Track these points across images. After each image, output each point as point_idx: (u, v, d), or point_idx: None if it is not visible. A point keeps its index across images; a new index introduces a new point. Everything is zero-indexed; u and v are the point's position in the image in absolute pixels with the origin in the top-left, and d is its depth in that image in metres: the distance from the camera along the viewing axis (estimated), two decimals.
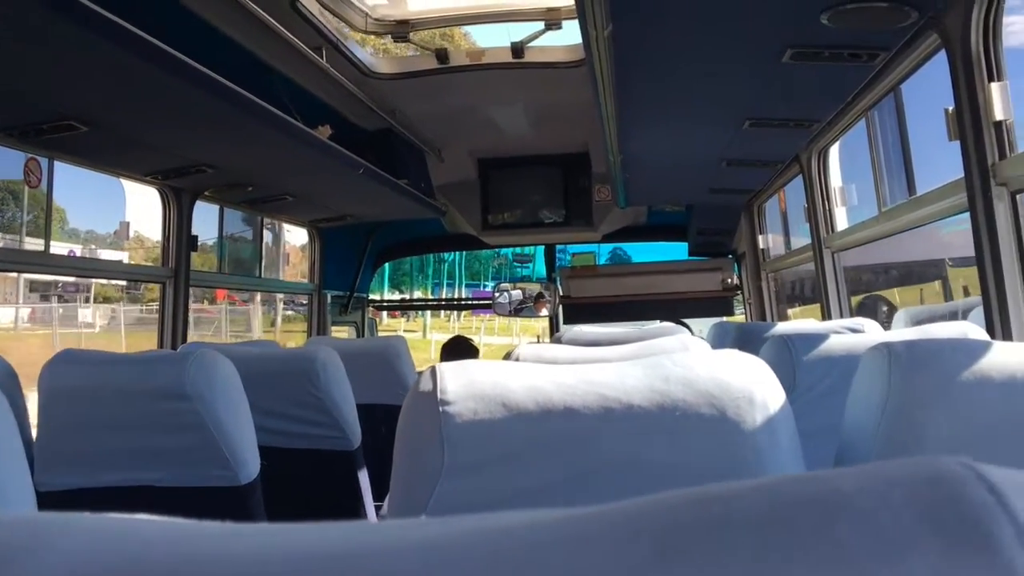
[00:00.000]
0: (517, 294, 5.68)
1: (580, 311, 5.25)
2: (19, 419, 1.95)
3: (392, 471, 0.87)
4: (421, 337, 18.50)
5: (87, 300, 17.75)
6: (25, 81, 2.06)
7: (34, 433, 1.91)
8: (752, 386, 0.85)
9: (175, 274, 3.42)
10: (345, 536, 0.27)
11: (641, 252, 6.24)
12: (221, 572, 0.26)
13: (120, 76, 2.05)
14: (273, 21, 2.61)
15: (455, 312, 21.02)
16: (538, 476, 0.82)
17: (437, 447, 0.81)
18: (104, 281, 16.90)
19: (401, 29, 3.43)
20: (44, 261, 2.98)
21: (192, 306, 3.53)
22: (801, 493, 0.27)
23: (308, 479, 2.33)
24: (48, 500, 1.79)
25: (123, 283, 17.28)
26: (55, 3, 1.58)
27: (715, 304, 5.25)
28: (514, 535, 0.27)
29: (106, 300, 18.22)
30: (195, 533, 0.28)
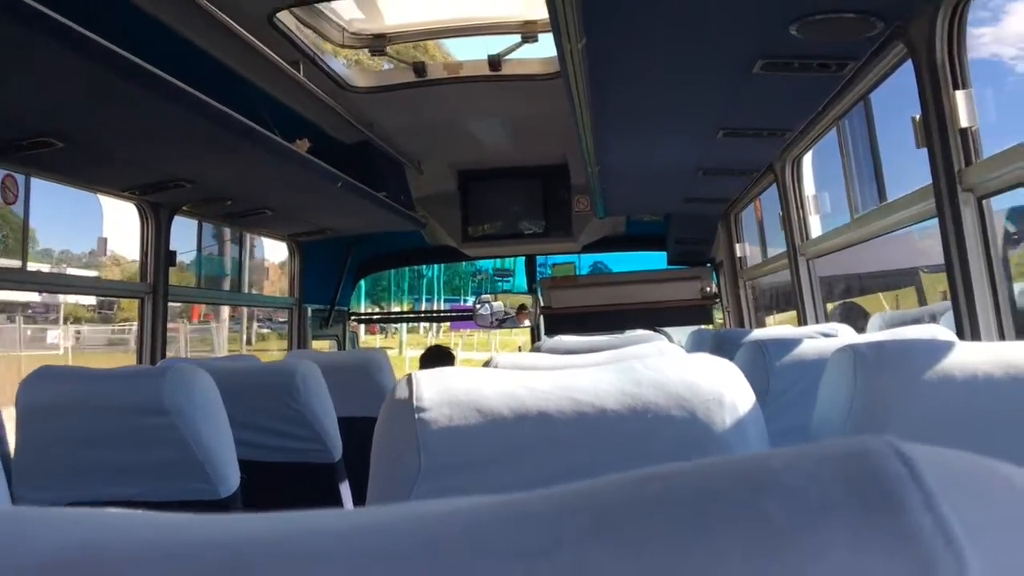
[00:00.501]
0: (499, 306, 5.69)
1: (561, 321, 5.27)
2: None
3: (369, 478, 0.88)
4: (397, 354, 18.45)
5: (55, 321, 17.40)
6: None
7: (11, 449, 1.90)
8: (722, 388, 0.86)
9: (153, 290, 3.41)
10: (286, 522, 0.29)
11: (621, 262, 6.29)
12: (184, 555, 0.27)
13: (95, 91, 2.05)
14: (250, 36, 2.61)
15: (433, 328, 21.00)
16: (514, 480, 0.83)
17: (413, 453, 0.83)
18: (74, 301, 16.57)
19: (378, 43, 3.45)
20: (21, 278, 2.96)
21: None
22: (734, 472, 0.29)
23: (289, 492, 2.32)
24: None
25: (93, 303, 16.94)
26: (28, 19, 1.58)
27: (694, 312, 5.29)
28: (453, 516, 0.28)
29: (77, 321, 17.92)
30: (157, 520, 0.29)
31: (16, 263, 3.00)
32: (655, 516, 0.27)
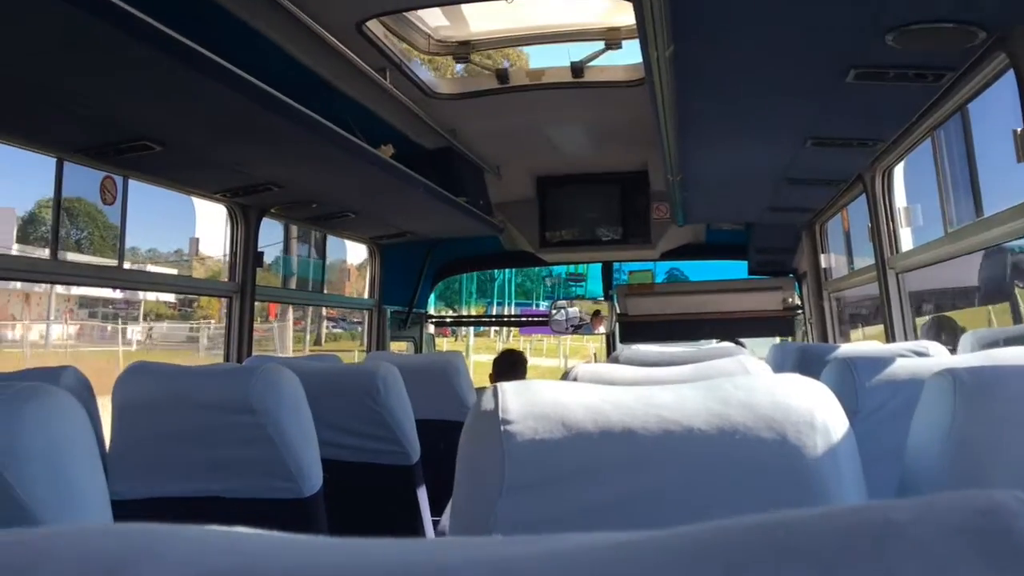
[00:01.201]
0: (574, 311, 5.67)
1: (637, 329, 5.22)
2: (94, 429, 2.03)
3: (454, 487, 0.89)
4: (464, 357, 18.56)
5: (135, 319, 18.00)
6: (104, 103, 2.15)
7: (107, 443, 1.98)
8: (813, 410, 0.84)
9: (241, 289, 3.51)
10: (430, 550, 0.29)
11: (699, 271, 6.19)
12: None
13: (192, 98, 2.12)
14: (340, 44, 2.68)
15: (503, 333, 21.08)
16: (598, 495, 0.83)
17: (498, 465, 0.83)
18: (154, 298, 17.09)
19: (462, 50, 3.48)
20: (117, 276, 3.09)
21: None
22: (858, 522, 0.28)
23: (368, 492, 2.36)
24: (121, 509, 1.84)
25: (173, 300, 17.43)
26: (132, 29, 1.65)
27: (775, 324, 5.18)
28: (586, 555, 0.28)
29: (159, 318, 18.54)
30: (294, 545, 0.30)
31: (112, 262, 3.11)
32: (782, 566, 0.27)
